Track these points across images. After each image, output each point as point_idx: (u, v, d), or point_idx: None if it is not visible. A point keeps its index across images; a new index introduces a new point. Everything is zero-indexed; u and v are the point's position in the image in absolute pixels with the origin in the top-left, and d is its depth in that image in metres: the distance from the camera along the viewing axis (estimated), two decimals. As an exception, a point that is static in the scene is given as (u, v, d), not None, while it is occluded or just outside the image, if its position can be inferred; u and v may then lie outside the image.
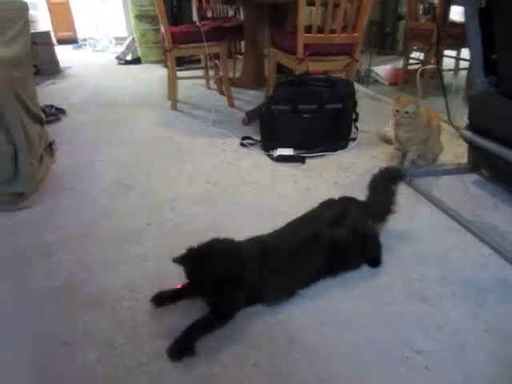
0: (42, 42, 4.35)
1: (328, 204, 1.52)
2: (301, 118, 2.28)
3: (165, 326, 1.18)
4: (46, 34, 4.57)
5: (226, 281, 1.13)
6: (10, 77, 1.83)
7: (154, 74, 4.43)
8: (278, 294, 1.25)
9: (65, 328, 1.19)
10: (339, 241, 1.33)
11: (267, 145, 2.37)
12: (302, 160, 2.24)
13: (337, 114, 2.29)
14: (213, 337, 1.14)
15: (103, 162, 2.28)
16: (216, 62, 3.26)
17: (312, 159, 2.28)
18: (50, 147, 2.31)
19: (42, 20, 5.86)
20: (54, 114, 3.00)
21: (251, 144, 2.45)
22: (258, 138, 2.48)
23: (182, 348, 1.09)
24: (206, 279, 1.13)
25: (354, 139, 2.47)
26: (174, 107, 3.12)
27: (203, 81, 3.80)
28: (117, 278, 1.39)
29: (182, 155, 2.37)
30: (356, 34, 2.46)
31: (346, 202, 1.52)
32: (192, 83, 3.75)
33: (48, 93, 3.75)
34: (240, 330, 1.18)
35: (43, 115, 2.37)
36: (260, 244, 1.30)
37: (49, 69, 4.48)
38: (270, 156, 2.30)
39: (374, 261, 1.43)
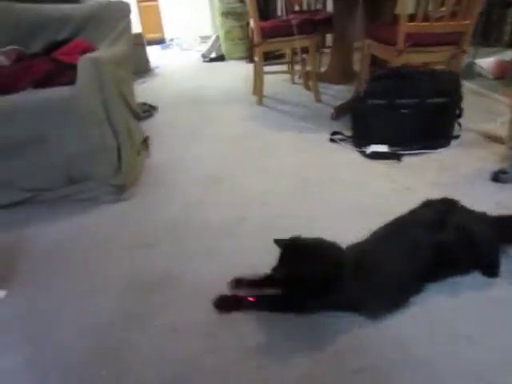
0: (135, 43, 4.61)
1: (429, 204, 1.39)
2: (398, 113, 2.12)
3: (266, 321, 1.16)
4: (139, 36, 4.84)
5: (318, 281, 1.10)
6: (116, 74, 1.93)
7: (238, 70, 4.47)
8: (378, 306, 1.15)
9: (170, 318, 1.22)
10: (444, 245, 1.21)
11: (359, 141, 2.25)
12: (397, 157, 2.09)
13: (439, 109, 2.10)
14: (317, 334, 1.11)
15: (194, 157, 2.33)
16: (303, 56, 3.18)
17: (409, 157, 2.11)
18: (144, 142, 2.42)
19: (132, 22, 6.25)
20: (147, 110, 3.14)
21: (341, 140, 2.35)
22: (348, 133, 2.37)
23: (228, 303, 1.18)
24: (299, 273, 1.10)
25: (457, 137, 2.25)
26: (260, 102, 3.10)
27: (287, 76, 3.74)
28: (213, 270, 1.39)
29: (270, 150, 2.34)
30: (467, 22, 2.22)
31: (450, 203, 1.39)
32: (275, 78, 3.71)
33: (140, 91, 3.94)
34: (346, 331, 1.12)
35: (140, 111, 2.50)
36: (361, 252, 1.24)
37: (141, 68, 4.74)
38: (363, 152, 2.18)
39: (490, 270, 1.27)
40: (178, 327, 1.18)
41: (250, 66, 3.52)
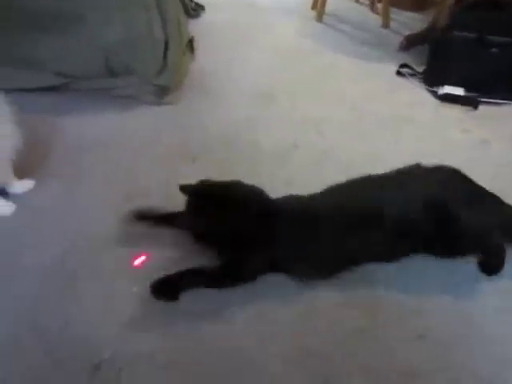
0: None
1: (421, 171, 1.16)
2: (486, 52, 1.83)
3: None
4: None
5: (237, 237, 0.96)
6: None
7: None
8: (311, 269, 1.00)
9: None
10: (407, 223, 1.01)
11: (432, 78, 1.97)
12: (474, 104, 1.83)
13: (538, 54, 1.80)
14: (376, 295, 1.00)
15: (243, 67, 2.09)
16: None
17: (486, 106, 1.85)
18: (189, 44, 2.17)
19: None
20: (194, 9, 2.81)
21: (411, 74, 2.07)
22: (419, 68, 2.09)
23: (167, 289, 0.95)
24: (215, 228, 0.96)
25: (545, 91, 1.96)
26: (320, 19, 2.74)
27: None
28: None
29: (327, 73, 2.09)
30: None
31: (449, 175, 1.15)
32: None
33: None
34: (409, 293, 1.02)
35: (190, 6, 2.22)
36: (301, 204, 1.06)
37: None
38: (433, 92, 1.92)
39: (486, 268, 1.07)
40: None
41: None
